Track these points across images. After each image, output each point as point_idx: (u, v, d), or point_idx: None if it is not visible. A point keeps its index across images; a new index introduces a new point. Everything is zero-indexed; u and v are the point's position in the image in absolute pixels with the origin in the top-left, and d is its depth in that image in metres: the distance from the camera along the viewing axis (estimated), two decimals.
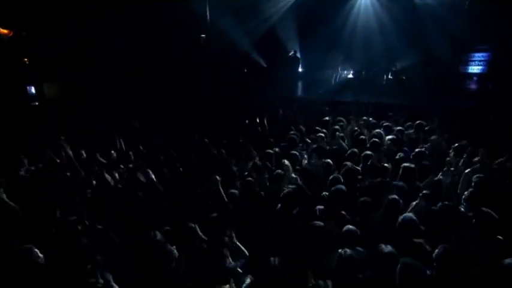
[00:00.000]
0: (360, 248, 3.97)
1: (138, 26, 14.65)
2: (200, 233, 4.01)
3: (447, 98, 14.76)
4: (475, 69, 18.02)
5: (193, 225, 4.00)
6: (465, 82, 17.85)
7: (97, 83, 13.02)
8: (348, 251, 3.58)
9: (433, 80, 17.73)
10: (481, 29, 16.11)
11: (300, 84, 20.10)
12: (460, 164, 6.12)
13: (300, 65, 21.67)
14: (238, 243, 3.98)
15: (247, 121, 9.22)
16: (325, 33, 18.85)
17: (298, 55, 20.33)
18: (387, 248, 3.67)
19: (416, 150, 6.78)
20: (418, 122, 8.82)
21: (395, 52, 19.15)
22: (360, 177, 5.90)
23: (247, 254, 3.95)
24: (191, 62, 16.40)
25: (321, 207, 4.85)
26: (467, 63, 18.23)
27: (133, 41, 14.66)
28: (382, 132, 8.27)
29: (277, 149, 6.97)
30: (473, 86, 17.54)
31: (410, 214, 4.31)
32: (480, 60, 17.86)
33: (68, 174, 5.08)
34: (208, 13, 18.09)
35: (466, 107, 13.48)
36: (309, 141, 7.68)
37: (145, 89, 13.44)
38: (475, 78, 17.86)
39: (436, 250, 3.61)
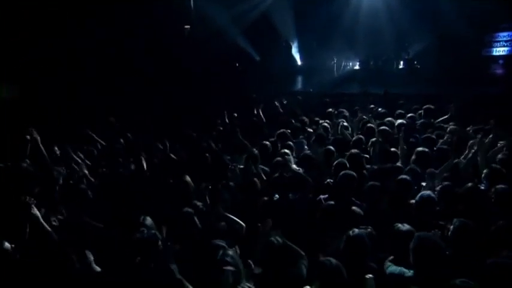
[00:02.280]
0: (370, 229, 4.27)
1: (113, 15, 15.16)
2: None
3: (468, 85, 15.09)
4: (500, 51, 18.44)
5: (190, 210, 4.33)
6: (489, 66, 18.28)
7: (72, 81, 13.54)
8: (357, 230, 3.86)
9: (452, 66, 18.04)
10: (506, 4, 16.29)
11: (299, 78, 20.55)
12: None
13: (299, 58, 22.24)
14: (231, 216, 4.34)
15: (235, 114, 9.66)
16: (325, 20, 19.36)
17: (291, 44, 20.81)
18: (405, 227, 3.96)
19: (425, 135, 7.17)
20: (426, 106, 9.24)
21: (407, 37, 19.66)
22: (366, 164, 6.27)
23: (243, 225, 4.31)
24: (175, 56, 16.84)
25: (325, 196, 5.21)
26: (491, 44, 18.64)
27: (109, 33, 15.19)
28: (392, 120, 8.68)
29: (273, 139, 7.35)
30: (498, 71, 17.95)
31: (429, 192, 4.65)
32: (506, 41, 18.24)
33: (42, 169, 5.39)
34: (192, 1, 18.68)
35: (490, 94, 13.82)
36: (311, 130, 8.08)
37: (124, 87, 13.91)
38: (500, 61, 18.30)
39: (452, 225, 3.92)
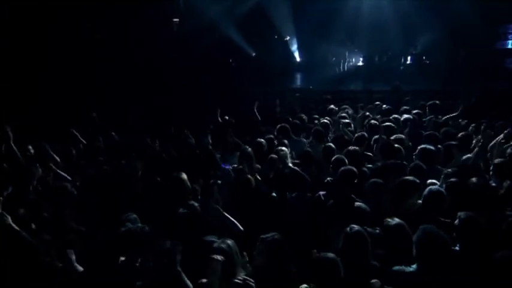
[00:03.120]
0: (378, 230, 4.34)
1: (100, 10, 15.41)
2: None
3: (481, 80, 15.26)
4: None
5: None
6: (503, 60, 18.41)
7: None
8: (356, 227, 3.93)
9: (464, 60, 18.15)
10: None
11: (298, 75, 20.68)
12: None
13: (298, 54, 22.39)
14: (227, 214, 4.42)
15: (226, 117, 9.75)
16: (325, 14, 19.37)
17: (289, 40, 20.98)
18: (394, 221, 4.04)
19: (427, 133, 7.32)
20: (431, 102, 9.34)
21: (415, 31, 19.80)
22: (370, 162, 6.35)
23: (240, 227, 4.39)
24: (163, 52, 16.98)
25: (324, 192, 5.27)
26: (505, 36, 18.78)
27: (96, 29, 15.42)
28: (398, 117, 8.78)
29: (270, 136, 7.43)
30: None
31: (437, 186, 4.74)
32: None
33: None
34: None
35: (505, 89, 13.92)
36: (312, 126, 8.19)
37: (111, 84, 14.13)
38: None
39: (457, 218, 3.98)
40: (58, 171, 5.74)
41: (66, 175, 5.72)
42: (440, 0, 18.21)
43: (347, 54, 21.08)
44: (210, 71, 17.20)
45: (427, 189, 4.67)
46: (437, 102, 9.50)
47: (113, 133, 7.95)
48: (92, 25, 15.74)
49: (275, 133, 7.81)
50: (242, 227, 4.47)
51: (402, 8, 18.68)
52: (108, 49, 15.72)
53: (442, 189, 4.69)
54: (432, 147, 6.23)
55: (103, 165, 6.13)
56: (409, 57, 20.98)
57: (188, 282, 3.22)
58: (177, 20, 19.30)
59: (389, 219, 4.09)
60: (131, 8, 16.19)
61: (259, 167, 6.27)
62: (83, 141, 7.42)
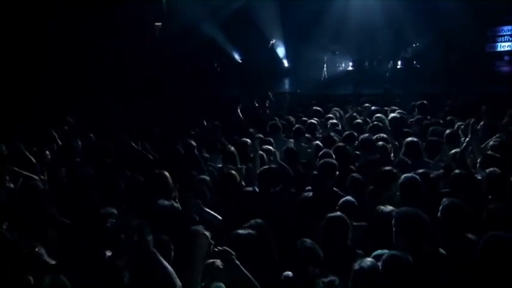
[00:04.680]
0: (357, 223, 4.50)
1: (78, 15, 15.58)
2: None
3: (471, 84, 15.56)
4: (505, 46, 18.93)
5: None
6: (493, 63, 18.81)
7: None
8: (338, 212, 4.09)
9: (453, 64, 18.46)
10: None
11: (286, 80, 20.94)
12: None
13: (285, 59, 22.64)
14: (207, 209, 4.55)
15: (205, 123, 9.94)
16: (313, 19, 19.64)
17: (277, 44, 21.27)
18: (387, 208, 4.20)
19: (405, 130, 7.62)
20: (419, 102, 9.59)
21: (405, 35, 20.12)
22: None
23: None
24: (145, 56, 17.13)
25: (309, 187, 5.45)
26: (494, 39, 19.14)
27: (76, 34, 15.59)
28: (383, 116, 9.00)
29: (260, 136, 7.66)
30: (504, 68, 18.48)
31: (411, 174, 4.92)
32: (511, 35, 18.71)
33: None
34: None
35: (495, 92, 14.18)
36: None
37: (95, 88, 14.32)
38: (506, 57, 18.84)
39: (441, 205, 4.13)
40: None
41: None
42: (429, 3, 18.53)
43: (326, 59, 21.21)
44: (195, 75, 17.33)
45: (402, 176, 4.86)
46: (425, 102, 9.72)
47: (91, 135, 8.07)
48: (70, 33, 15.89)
49: (267, 131, 8.09)
50: (224, 220, 4.62)
51: (392, 13, 18.98)
52: (89, 54, 15.86)
53: (417, 176, 4.86)
54: (418, 140, 6.44)
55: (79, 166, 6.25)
56: (399, 62, 21.27)
57: (166, 263, 3.24)
58: (160, 23, 19.48)
59: (382, 207, 4.29)
60: (108, 11, 16.43)
61: (245, 166, 6.44)
62: (59, 142, 7.52)
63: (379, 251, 3.79)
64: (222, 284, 3.19)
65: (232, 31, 19.92)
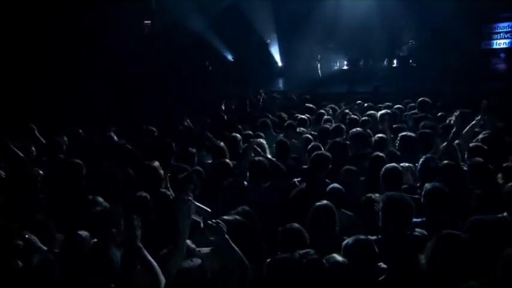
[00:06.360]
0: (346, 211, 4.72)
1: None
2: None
3: (467, 81, 15.82)
4: (500, 43, 19.10)
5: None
6: (489, 61, 19.00)
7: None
8: (325, 201, 4.26)
9: (449, 62, 18.67)
10: None
11: (280, 79, 21.14)
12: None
13: (279, 58, 22.85)
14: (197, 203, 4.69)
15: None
16: (307, 17, 20.03)
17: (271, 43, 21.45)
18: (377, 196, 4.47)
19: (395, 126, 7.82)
20: (421, 99, 9.79)
21: (401, 34, 20.42)
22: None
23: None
24: (133, 56, 17.26)
25: (299, 179, 5.65)
26: (490, 36, 19.32)
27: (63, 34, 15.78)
28: (375, 113, 9.21)
29: (249, 132, 7.84)
30: (500, 65, 18.68)
31: (393, 164, 5.15)
32: (507, 32, 18.86)
33: None
34: None
35: (491, 90, 14.38)
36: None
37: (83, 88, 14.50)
38: (502, 54, 18.97)
39: (424, 189, 4.38)
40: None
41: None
42: (424, 1, 18.86)
43: (319, 57, 21.40)
44: (186, 74, 17.53)
45: (384, 167, 5.08)
46: (427, 99, 9.88)
47: (80, 130, 8.22)
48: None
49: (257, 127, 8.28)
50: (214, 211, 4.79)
51: (387, 11, 19.35)
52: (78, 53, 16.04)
53: (398, 166, 5.11)
54: (413, 134, 6.65)
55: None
56: (395, 60, 21.54)
57: (151, 259, 3.32)
58: (149, 21, 19.63)
59: (371, 194, 4.59)
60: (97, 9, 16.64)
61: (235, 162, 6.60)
62: (41, 139, 7.63)
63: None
64: (198, 260, 3.32)
65: (223, 29, 20.12)
